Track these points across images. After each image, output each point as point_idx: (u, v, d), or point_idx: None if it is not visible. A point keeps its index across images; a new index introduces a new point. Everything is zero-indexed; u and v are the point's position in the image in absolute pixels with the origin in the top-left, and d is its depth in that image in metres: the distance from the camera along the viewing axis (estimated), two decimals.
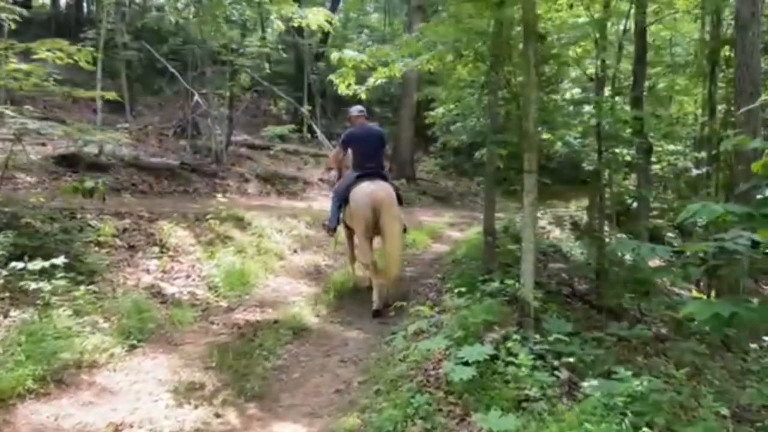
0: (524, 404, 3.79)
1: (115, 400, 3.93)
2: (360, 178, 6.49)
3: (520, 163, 5.14)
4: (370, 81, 8.35)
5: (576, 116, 7.66)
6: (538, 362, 4.26)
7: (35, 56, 6.08)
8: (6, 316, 4.58)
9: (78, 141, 10.03)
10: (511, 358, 4.18)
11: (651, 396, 3.86)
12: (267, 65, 19.74)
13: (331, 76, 8.46)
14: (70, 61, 6.71)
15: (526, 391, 3.92)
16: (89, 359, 4.32)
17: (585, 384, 4.22)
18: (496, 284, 5.72)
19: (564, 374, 4.50)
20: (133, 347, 4.75)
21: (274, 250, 7.89)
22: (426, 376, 4.21)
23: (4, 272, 4.85)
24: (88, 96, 8.27)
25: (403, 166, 15.79)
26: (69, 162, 10.72)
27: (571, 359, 4.56)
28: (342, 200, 6.74)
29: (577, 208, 13.01)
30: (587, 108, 7.59)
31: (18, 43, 6.02)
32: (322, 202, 12.28)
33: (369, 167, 6.63)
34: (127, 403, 3.90)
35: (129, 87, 14.46)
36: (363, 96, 8.92)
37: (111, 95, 7.66)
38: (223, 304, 6.14)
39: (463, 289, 5.49)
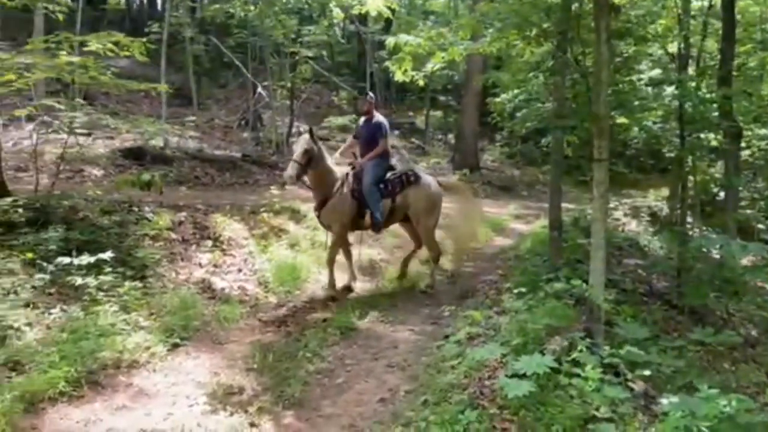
0: (591, 425, 3.34)
1: (151, 404, 3.77)
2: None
3: (590, 151, 4.61)
4: (428, 67, 7.93)
5: (655, 98, 6.96)
6: (608, 375, 3.78)
7: (86, 48, 6.06)
8: (52, 312, 4.53)
9: (144, 134, 10.24)
10: (576, 370, 3.73)
11: (741, 417, 3.32)
12: (329, 55, 19.69)
13: (387, 63, 8.11)
14: (128, 53, 6.69)
15: (594, 410, 3.46)
16: (129, 359, 4.20)
17: (663, 400, 3.71)
18: (561, 284, 5.22)
19: (639, 388, 4.00)
20: (175, 346, 4.61)
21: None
22: (479, 388, 3.81)
23: (52, 267, 4.82)
24: (147, 89, 8.28)
25: (467, 156, 15.25)
26: (135, 155, 10.97)
27: (647, 371, 4.03)
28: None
29: (656, 199, 12.12)
30: (668, 89, 6.89)
31: (73, 36, 6.03)
32: None
33: None
34: (162, 407, 3.74)
35: (196, 80, 14.70)
36: (421, 83, 8.53)
37: (164, 87, 7.64)
38: (272, 300, 5.95)
39: (524, 289, 5.04)
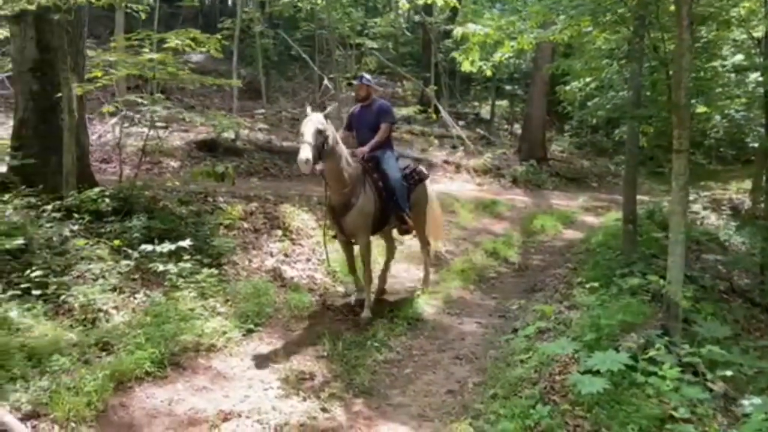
0: (669, 425, 3.24)
1: (228, 386, 3.94)
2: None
3: (668, 141, 4.44)
4: (496, 56, 7.80)
5: (738, 85, 6.60)
6: (687, 374, 3.65)
7: (165, 45, 6.33)
8: (136, 296, 4.81)
9: (217, 127, 10.63)
10: (652, 368, 3.61)
11: None
12: (393, 47, 19.69)
13: (454, 53, 8.04)
14: (203, 49, 6.95)
15: (671, 409, 3.35)
16: (207, 343, 4.39)
17: (745, 402, 3.56)
18: (636, 279, 5.07)
19: (719, 389, 3.84)
20: (250, 331, 4.78)
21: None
22: (550, 383, 3.77)
23: (136, 254, 5.10)
24: (221, 84, 8.58)
25: (534, 146, 14.92)
26: (208, 147, 11.37)
27: (728, 372, 3.86)
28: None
29: (737, 191, 11.47)
30: (752, 76, 6.51)
31: (153, 34, 6.33)
32: (447, 185, 11.95)
33: None
34: (239, 390, 3.89)
35: (265, 74, 15.07)
36: (488, 73, 8.41)
37: (236, 83, 7.89)
38: (340, 289, 6.06)
39: (596, 284, 4.91)
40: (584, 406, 3.42)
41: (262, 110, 14.04)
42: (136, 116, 8.09)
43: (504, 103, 18.88)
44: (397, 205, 5.43)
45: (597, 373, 3.44)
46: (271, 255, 6.44)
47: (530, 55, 15.18)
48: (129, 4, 6.11)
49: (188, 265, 5.26)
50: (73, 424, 3.30)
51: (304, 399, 3.80)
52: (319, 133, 4.73)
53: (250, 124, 11.69)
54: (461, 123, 16.08)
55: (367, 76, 5.83)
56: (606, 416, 3.33)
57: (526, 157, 14.43)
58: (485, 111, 18.75)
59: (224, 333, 4.58)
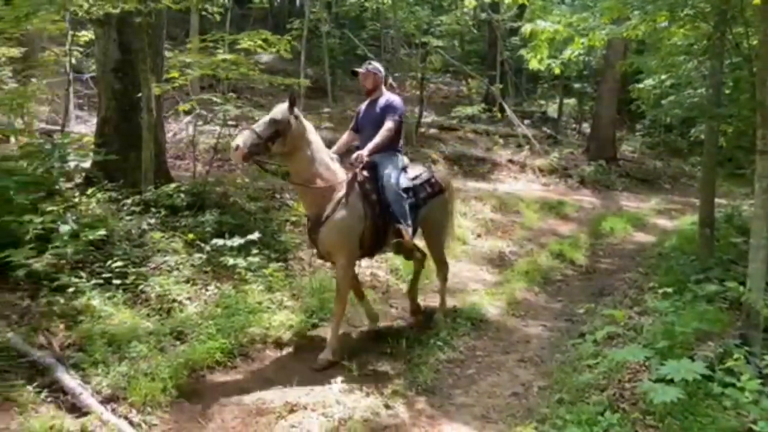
0: None
1: (294, 379, 4.03)
2: None
3: (750, 141, 4.20)
4: (566, 53, 7.63)
5: None
6: None
7: (238, 46, 6.54)
8: (208, 288, 5.00)
9: None
10: (730, 379, 3.43)
11: None
12: (459, 45, 19.53)
13: (522, 51, 7.90)
14: (274, 50, 7.14)
15: (750, 423, 3.18)
16: (274, 335, 4.51)
17: None
18: (713, 286, 4.83)
19: None
20: (314, 326, 4.87)
21: (456, 234, 7.64)
22: (619, 390, 3.65)
23: (208, 248, 5.30)
24: (289, 83, 8.77)
25: (603, 146, 14.43)
26: None
27: None
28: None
29: None
30: None
31: (226, 35, 6.56)
32: (512, 185, 11.77)
33: None
34: (304, 383, 3.98)
35: (331, 73, 15.30)
36: (557, 70, 8.22)
37: (304, 82, 8.03)
38: (403, 287, 6.06)
39: (669, 290, 4.71)
40: (656, 415, 3.30)
41: (328, 109, 14.26)
42: (208, 115, 8.42)
43: (572, 101, 18.36)
44: (393, 217, 4.44)
45: (670, 381, 3.29)
46: None
47: (600, 51, 14.69)
48: (205, 6, 6.35)
49: (257, 259, 5.43)
50: (149, 409, 3.47)
51: (367, 395, 3.84)
52: (274, 122, 4.04)
53: (316, 122, 11.89)
54: (527, 122, 15.76)
55: (375, 62, 4.87)
56: (679, 427, 3.20)
57: (595, 157, 13.98)
58: (552, 109, 18.31)
59: (291, 326, 4.70)
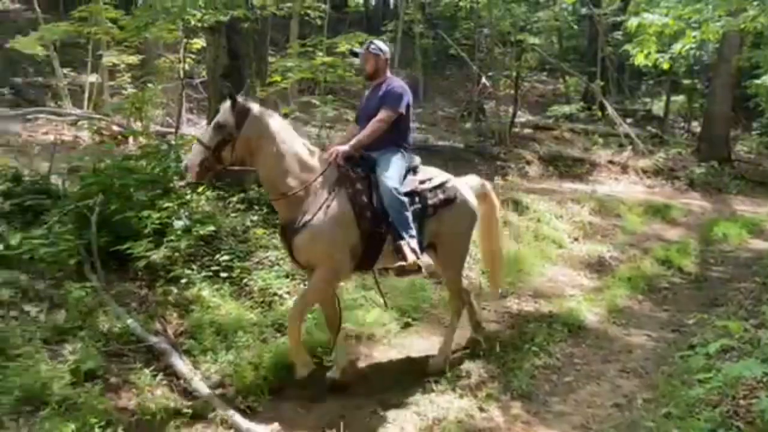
0: None
1: (387, 376, 4.09)
2: None
3: None
4: (676, 47, 7.19)
5: None
6: None
7: (336, 49, 6.72)
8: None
9: None
10: None
11: None
12: (557, 41, 18.94)
13: (627, 46, 7.54)
14: None
15: None
16: (368, 332, 4.59)
17: None
18: None
19: None
20: (407, 325, 4.91)
21: (552, 237, 7.44)
22: (733, 407, 3.40)
23: None
24: None
25: (716, 146, 13.45)
26: None
27: None
28: None
29: None
30: None
31: (325, 39, 6.76)
32: (612, 187, 11.26)
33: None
34: (397, 381, 4.02)
35: (423, 74, 15.35)
36: (665, 66, 7.77)
37: None
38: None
39: None
40: None
41: (419, 109, 14.31)
42: (305, 117, 8.71)
43: (680, 98, 17.27)
44: (392, 231, 3.76)
45: None
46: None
47: (713, 45, 13.73)
48: (308, 12, 6.58)
49: None
50: (252, 397, 3.64)
51: (461, 396, 3.82)
52: (219, 128, 3.58)
53: None
54: (629, 121, 15.00)
55: (378, 42, 4.08)
56: None
57: (706, 158, 13.07)
58: (658, 107, 17.33)
59: (383, 324, 4.76)
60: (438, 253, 4.18)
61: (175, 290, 4.50)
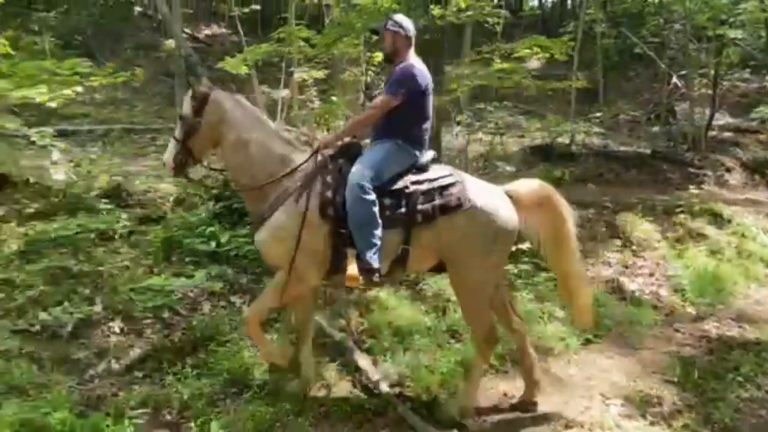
0: None
1: (568, 393, 3.89)
2: None
3: None
4: None
5: None
6: None
7: (515, 55, 6.61)
8: None
9: (552, 132, 10.71)
10: None
11: None
12: (766, 34, 16.69)
13: None
14: (547, 55, 7.07)
15: None
16: (545, 346, 4.42)
17: None
18: None
19: None
20: (588, 342, 4.65)
21: (759, 254, 6.55)
22: None
23: None
24: (561, 87, 8.57)
25: None
26: (542, 152, 11.49)
27: None
28: None
29: None
30: None
31: (502, 45, 6.69)
32: None
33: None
34: (579, 400, 3.80)
35: (603, 75, 14.50)
36: None
37: (579, 84, 7.73)
38: (691, 311, 5.42)
39: None
40: None
41: (598, 114, 13.52)
42: (477, 123, 8.69)
43: None
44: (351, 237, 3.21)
45: None
46: (609, 265, 6.16)
47: None
48: (486, 19, 6.58)
49: (527, 267, 5.43)
50: (424, 396, 3.70)
51: (652, 423, 3.52)
52: (181, 120, 3.43)
53: (585, 128, 11.40)
54: None
55: (398, 17, 3.57)
56: None
57: None
58: None
59: (562, 339, 4.56)
60: (448, 271, 3.48)
61: (356, 290, 4.74)
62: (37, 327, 4.02)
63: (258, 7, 10.77)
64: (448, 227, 3.29)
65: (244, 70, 7.02)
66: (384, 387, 3.73)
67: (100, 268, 4.72)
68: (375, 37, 4.08)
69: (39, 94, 4.79)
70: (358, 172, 3.22)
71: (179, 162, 3.45)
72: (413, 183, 3.34)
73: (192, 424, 3.29)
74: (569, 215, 3.66)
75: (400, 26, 3.48)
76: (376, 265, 3.17)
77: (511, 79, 7.10)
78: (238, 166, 3.42)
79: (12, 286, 4.42)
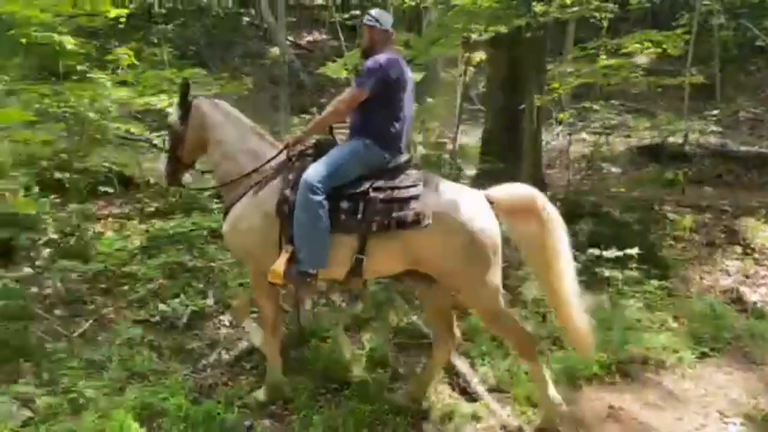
0: None
1: (681, 409, 3.65)
2: None
3: None
4: None
5: None
6: None
7: (623, 51, 6.29)
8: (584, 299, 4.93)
9: (663, 131, 10.09)
10: None
11: None
12: None
13: None
14: (658, 50, 6.66)
15: None
16: (656, 358, 4.16)
17: None
18: None
19: None
20: (704, 355, 4.32)
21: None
22: None
23: (583, 257, 5.23)
24: (674, 83, 8.04)
25: None
26: (652, 152, 10.86)
27: None
28: None
29: None
30: None
31: (609, 41, 6.38)
32: None
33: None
34: (694, 416, 3.56)
35: (720, 70, 13.50)
36: None
37: (694, 79, 7.24)
38: None
39: None
40: None
41: (715, 111, 12.58)
42: (579, 123, 8.35)
43: None
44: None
45: None
46: (728, 274, 5.72)
47: None
48: (593, 14, 6.31)
49: (635, 273, 5.17)
50: (529, 407, 3.60)
51: None
52: (169, 128, 3.63)
53: (701, 126, 10.64)
54: None
55: (375, 12, 3.50)
56: None
57: None
58: None
59: (675, 351, 4.27)
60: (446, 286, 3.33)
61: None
62: (157, 318, 4.36)
63: (357, 12, 11.01)
64: (416, 240, 3.09)
65: (343, 74, 7.18)
66: (483, 391, 3.68)
67: (212, 264, 5.04)
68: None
69: (160, 101, 5.17)
70: (314, 171, 3.14)
71: (170, 171, 3.62)
72: (375, 189, 3.15)
73: (295, 417, 3.42)
74: (559, 228, 3.25)
75: (377, 21, 3.41)
76: (308, 268, 3.09)
77: (618, 75, 6.75)
78: (217, 163, 3.51)
79: (135, 279, 4.83)
